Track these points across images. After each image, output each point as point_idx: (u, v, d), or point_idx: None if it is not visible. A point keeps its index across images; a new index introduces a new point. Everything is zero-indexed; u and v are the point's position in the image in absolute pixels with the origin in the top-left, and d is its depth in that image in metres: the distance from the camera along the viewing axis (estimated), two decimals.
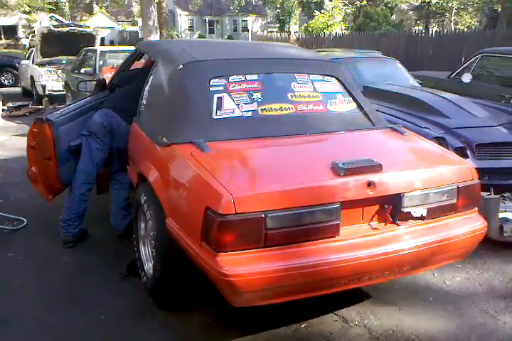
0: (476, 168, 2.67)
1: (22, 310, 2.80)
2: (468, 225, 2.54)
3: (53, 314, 2.76)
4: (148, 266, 2.88)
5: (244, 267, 2.08)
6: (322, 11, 19.30)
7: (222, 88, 2.80)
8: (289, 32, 23.23)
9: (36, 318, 2.72)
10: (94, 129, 3.51)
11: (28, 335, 2.57)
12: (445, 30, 12.76)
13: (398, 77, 6.11)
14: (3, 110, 10.25)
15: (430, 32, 13.25)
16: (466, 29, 14.19)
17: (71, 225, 3.57)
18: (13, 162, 6.06)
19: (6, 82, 15.43)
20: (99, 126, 3.49)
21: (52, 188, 3.72)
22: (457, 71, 6.85)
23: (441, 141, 3.87)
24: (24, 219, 4.06)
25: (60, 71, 10.76)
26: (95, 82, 4.28)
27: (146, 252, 2.96)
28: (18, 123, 9.18)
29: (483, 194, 3.39)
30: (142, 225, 3.01)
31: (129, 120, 3.43)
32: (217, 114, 2.72)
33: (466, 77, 6.22)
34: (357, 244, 2.29)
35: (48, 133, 3.49)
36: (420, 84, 6.28)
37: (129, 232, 3.54)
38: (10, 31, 29.88)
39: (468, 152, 3.97)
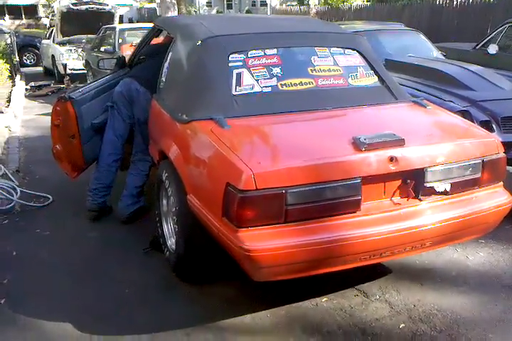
0: (501, 142, 2.60)
1: (50, 283, 2.89)
2: (493, 200, 2.50)
3: (80, 287, 2.84)
4: (171, 242, 2.93)
5: (265, 242, 2.09)
6: None
7: (241, 63, 2.77)
8: (308, 5, 22.72)
9: (64, 291, 2.81)
10: (115, 99, 3.59)
11: (56, 307, 2.66)
12: (470, 0, 12.29)
13: (421, 49, 5.95)
14: (26, 90, 10.37)
15: (455, 2, 12.79)
16: None
17: (97, 194, 3.66)
18: (38, 140, 6.17)
19: (28, 62, 15.57)
20: (119, 94, 3.56)
21: (76, 166, 3.78)
22: (483, 42, 6.63)
23: (465, 114, 3.78)
24: (50, 196, 4.15)
25: (80, 50, 10.79)
26: (115, 60, 4.29)
27: (168, 228, 3.00)
28: (40, 102, 9.29)
29: (509, 168, 3.32)
30: (164, 202, 3.05)
31: (148, 87, 3.44)
32: (237, 89, 2.69)
33: (492, 48, 6.02)
34: (378, 219, 2.28)
35: (71, 111, 3.54)
36: (444, 56, 6.11)
37: (133, 219, 3.62)
38: (30, 11, 29.87)
39: (493, 125, 3.87)
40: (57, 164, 3.88)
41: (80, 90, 3.70)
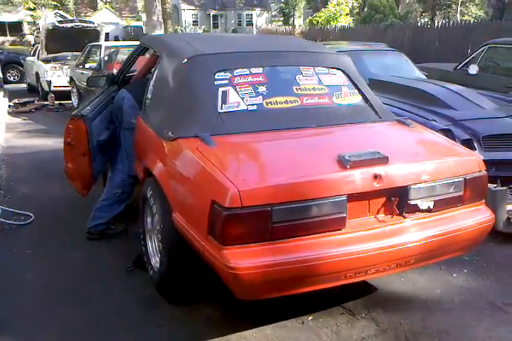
0: (483, 160, 2.65)
1: (29, 304, 2.82)
2: (476, 217, 2.53)
3: (61, 308, 2.78)
4: (155, 260, 2.89)
5: (250, 260, 2.08)
6: (329, 3, 19.08)
7: (227, 81, 2.79)
8: (293, 25, 23.12)
9: (44, 312, 2.74)
10: (114, 108, 3.70)
11: (36, 328, 2.59)
12: (451, 22, 12.62)
13: (404, 69, 6.07)
14: (9, 106, 10.30)
15: (436, 23, 13.11)
16: (472, 20, 14.03)
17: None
18: (20, 158, 6.09)
19: (11, 79, 15.49)
20: (114, 104, 3.68)
21: (87, 183, 3.80)
22: (464, 63, 6.79)
23: (447, 133, 3.84)
24: (31, 214, 4.08)
25: (65, 67, 10.78)
26: (105, 77, 4.31)
27: (152, 246, 2.97)
28: (24, 119, 9.21)
29: (491, 186, 3.36)
30: (149, 220, 3.02)
31: (134, 94, 3.49)
32: (223, 107, 2.71)
33: (473, 69, 6.17)
34: (363, 236, 2.28)
35: (83, 129, 3.57)
36: (426, 76, 6.24)
37: (97, 236, 3.59)
38: (15, 28, 29.92)
39: (475, 144, 3.94)
40: (70, 182, 3.88)
41: (88, 108, 3.72)
